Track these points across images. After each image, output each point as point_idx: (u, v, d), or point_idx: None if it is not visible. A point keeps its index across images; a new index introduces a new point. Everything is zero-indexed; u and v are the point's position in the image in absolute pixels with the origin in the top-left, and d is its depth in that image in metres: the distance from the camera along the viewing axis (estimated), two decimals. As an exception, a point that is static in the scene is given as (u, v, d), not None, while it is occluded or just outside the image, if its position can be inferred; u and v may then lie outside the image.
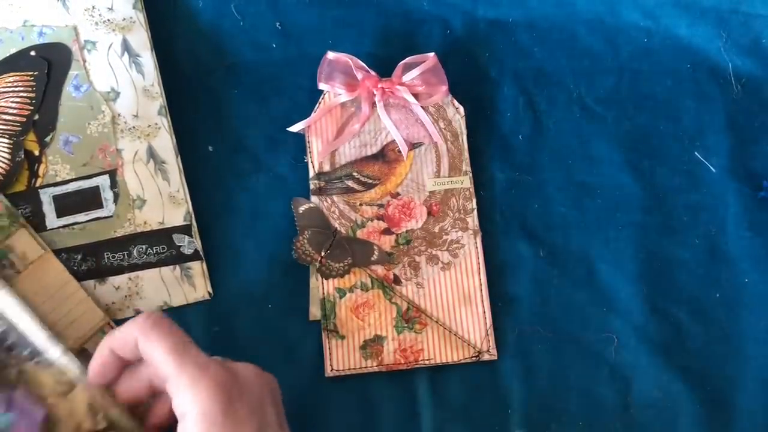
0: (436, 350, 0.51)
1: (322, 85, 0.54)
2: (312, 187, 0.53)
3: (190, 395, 0.36)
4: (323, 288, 0.51)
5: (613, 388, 0.52)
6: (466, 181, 0.53)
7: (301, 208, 0.53)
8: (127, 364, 0.40)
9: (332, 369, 0.50)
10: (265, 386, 0.40)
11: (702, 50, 0.57)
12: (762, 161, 0.56)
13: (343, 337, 0.51)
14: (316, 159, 0.53)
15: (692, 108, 0.56)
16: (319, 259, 0.52)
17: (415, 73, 0.53)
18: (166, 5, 0.55)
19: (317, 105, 0.54)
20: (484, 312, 0.51)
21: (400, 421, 0.51)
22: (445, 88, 0.54)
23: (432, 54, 0.53)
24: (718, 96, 0.56)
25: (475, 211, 0.53)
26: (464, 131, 0.54)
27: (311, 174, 0.53)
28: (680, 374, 0.52)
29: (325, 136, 0.54)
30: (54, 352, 0.42)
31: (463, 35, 0.57)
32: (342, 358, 0.51)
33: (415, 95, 0.54)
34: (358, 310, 0.51)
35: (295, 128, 0.53)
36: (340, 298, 0.51)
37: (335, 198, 0.53)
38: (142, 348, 0.38)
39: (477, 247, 0.52)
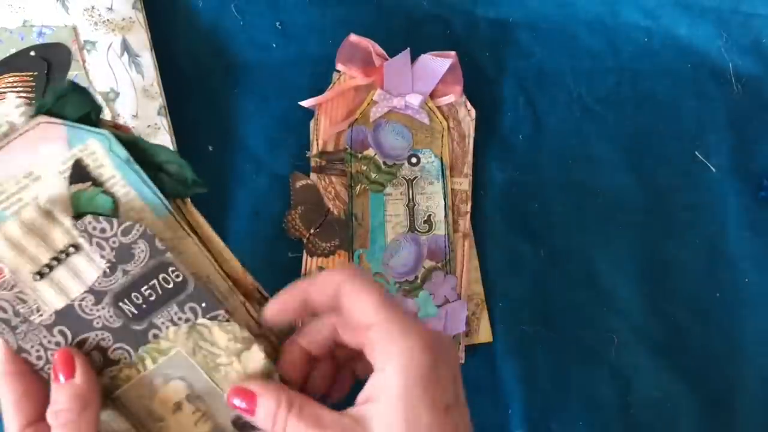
0: None
1: (340, 66, 0.54)
2: (312, 164, 0.53)
3: (400, 345, 0.34)
4: (306, 265, 0.52)
5: (613, 388, 0.52)
6: (465, 184, 0.53)
7: (299, 184, 0.53)
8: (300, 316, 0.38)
9: None
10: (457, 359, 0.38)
11: (702, 50, 0.57)
12: (762, 161, 0.56)
13: None
14: (321, 137, 0.53)
15: (692, 108, 0.56)
16: (307, 235, 0.52)
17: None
18: (166, 5, 0.55)
19: (330, 85, 0.54)
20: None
21: (400, 421, 0.51)
22: (459, 88, 0.54)
23: (453, 53, 0.53)
24: (718, 96, 0.56)
25: (469, 215, 0.53)
26: (472, 134, 0.54)
27: (314, 151, 0.53)
28: (680, 374, 0.52)
29: (334, 117, 0.54)
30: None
31: (463, 35, 0.57)
32: None
33: (431, 93, 0.54)
34: None
35: (306, 103, 0.54)
36: None
37: (334, 179, 0.53)
38: (346, 294, 0.36)
39: (464, 250, 0.52)
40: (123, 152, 0.38)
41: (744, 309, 0.53)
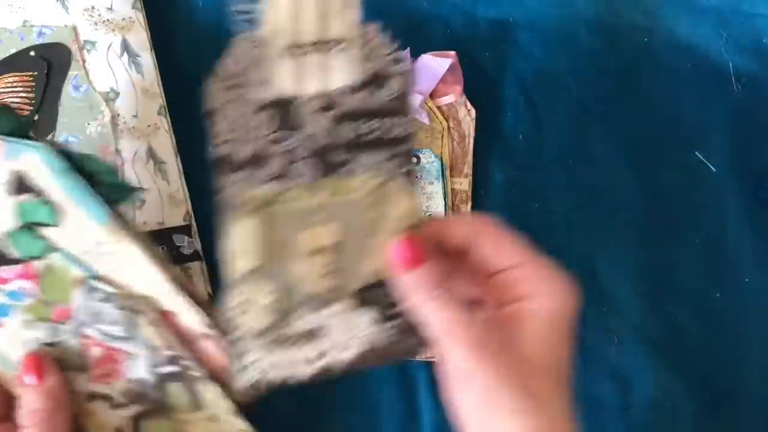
0: None
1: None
2: None
3: (555, 282, 0.36)
4: None
5: (613, 388, 0.52)
6: (464, 184, 0.53)
7: None
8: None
9: None
10: None
11: (702, 50, 0.57)
12: (762, 161, 0.56)
13: None
14: None
15: (692, 108, 0.56)
16: None
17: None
18: (166, 5, 0.55)
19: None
20: None
21: (400, 421, 0.51)
22: (459, 88, 0.54)
23: (453, 53, 0.53)
24: (718, 96, 0.56)
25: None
26: (472, 134, 0.54)
27: None
28: (680, 374, 0.52)
29: None
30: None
31: (463, 35, 0.57)
32: None
33: (431, 93, 0.54)
34: None
35: None
36: None
37: None
38: (488, 236, 0.37)
39: None
40: (59, 163, 0.39)
41: (744, 309, 0.53)
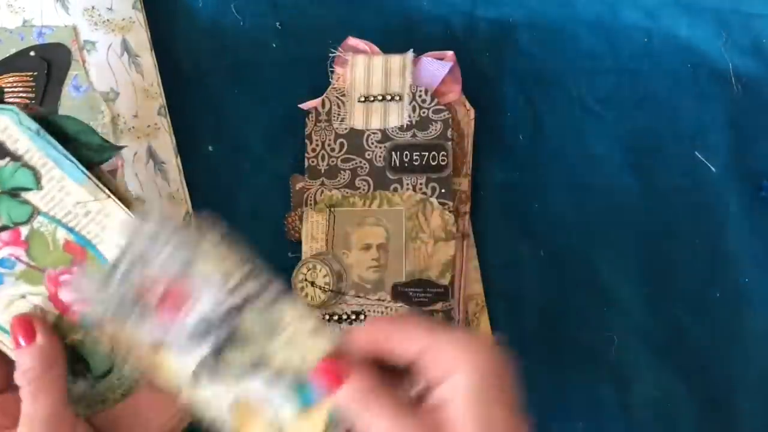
0: None
1: (338, 69, 0.54)
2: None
3: (468, 351, 0.34)
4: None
5: (613, 388, 0.52)
6: (464, 184, 0.53)
7: (298, 185, 0.53)
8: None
9: None
10: None
11: (702, 50, 0.57)
12: (762, 161, 0.56)
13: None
14: None
15: (692, 108, 0.56)
16: None
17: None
18: (166, 5, 0.55)
19: (329, 88, 0.54)
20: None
21: (400, 421, 0.51)
22: (458, 88, 0.54)
23: (451, 52, 0.53)
24: (718, 96, 0.56)
25: (468, 215, 0.53)
26: (471, 133, 0.54)
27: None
28: (680, 374, 0.52)
29: None
30: None
31: (463, 35, 0.57)
32: None
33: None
34: None
35: (305, 105, 0.54)
36: None
37: None
38: (392, 331, 0.36)
39: (463, 251, 0.52)
40: (33, 124, 0.39)
41: (744, 309, 0.53)
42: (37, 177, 0.39)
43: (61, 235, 0.40)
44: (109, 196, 0.40)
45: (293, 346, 0.38)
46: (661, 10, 0.57)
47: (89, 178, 0.40)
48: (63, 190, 0.40)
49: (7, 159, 0.39)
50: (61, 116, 0.41)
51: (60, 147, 0.40)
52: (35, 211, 0.40)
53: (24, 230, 0.40)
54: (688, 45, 0.57)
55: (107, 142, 0.41)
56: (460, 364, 0.34)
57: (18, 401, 0.40)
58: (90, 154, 0.41)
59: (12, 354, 0.41)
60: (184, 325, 0.37)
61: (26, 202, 0.40)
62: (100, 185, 0.40)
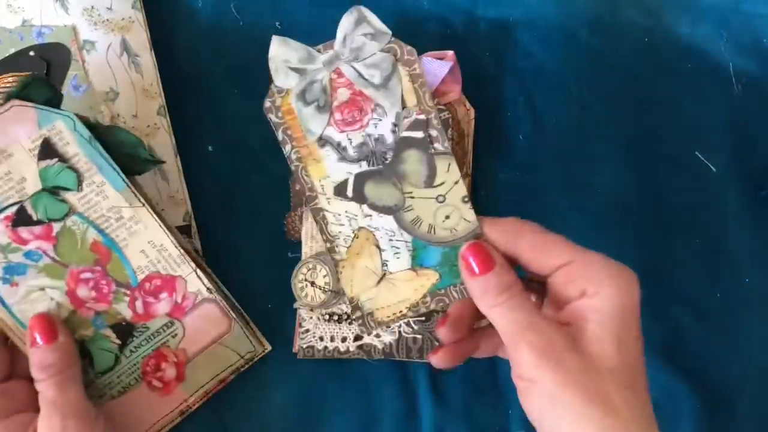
0: None
1: None
2: None
3: (613, 275, 0.35)
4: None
5: (613, 388, 0.52)
6: (464, 183, 0.53)
7: (298, 186, 0.53)
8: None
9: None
10: None
11: (702, 50, 0.57)
12: (762, 161, 0.56)
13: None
14: None
15: (692, 108, 0.56)
16: None
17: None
18: (166, 5, 0.55)
19: None
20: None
21: (400, 421, 0.51)
22: (458, 87, 0.54)
23: (451, 52, 0.53)
24: (718, 96, 0.56)
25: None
26: (471, 133, 0.54)
27: None
28: (680, 374, 0.52)
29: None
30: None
31: (463, 35, 0.57)
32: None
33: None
34: None
35: None
36: None
37: None
38: (533, 237, 0.37)
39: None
40: (86, 132, 0.42)
41: (744, 309, 0.53)
42: (79, 179, 0.43)
43: (91, 235, 0.44)
44: (143, 205, 0.44)
45: (439, 205, 0.39)
46: (662, 10, 0.57)
47: (128, 186, 0.43)
48: (101, 194, 0.43)
49: (56, 159, 0.42)
50: (115, 127, 0.45)
51: (107, 155, 0.43)
52: (71, 210, 0.43)
53: (56, 227, 0.43)
54: (689, 45, 0.57)
55: (152, 156, 0.45)
56: (604, 285, 0.35)
57: (24, 387, 0.42)
58: (133, 164, 0.44)
59: (19, 342, 0.43)
60: (355, 135, 0.38)
61: (64, 201, 0.43)
62: (138, 194, 0.44)
